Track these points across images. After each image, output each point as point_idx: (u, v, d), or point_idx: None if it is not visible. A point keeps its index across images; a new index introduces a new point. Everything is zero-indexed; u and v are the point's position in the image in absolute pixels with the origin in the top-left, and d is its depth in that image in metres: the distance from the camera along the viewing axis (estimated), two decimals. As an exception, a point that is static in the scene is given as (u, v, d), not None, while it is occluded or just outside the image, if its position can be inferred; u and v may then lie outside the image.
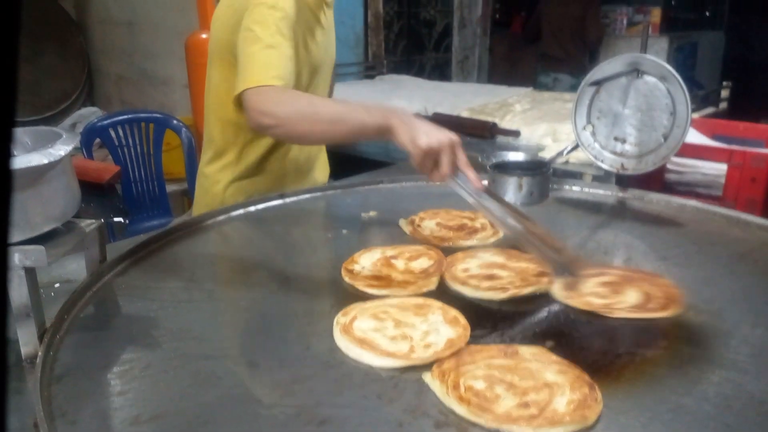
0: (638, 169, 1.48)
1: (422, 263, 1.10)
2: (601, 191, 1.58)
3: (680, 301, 0.97)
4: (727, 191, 1.55)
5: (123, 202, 1.06)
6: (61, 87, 4.38)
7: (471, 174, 1.07)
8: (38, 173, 0.89)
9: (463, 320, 0.90)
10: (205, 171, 1.58)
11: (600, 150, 1.53)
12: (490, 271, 1.07)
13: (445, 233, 1.27)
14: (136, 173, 2.73)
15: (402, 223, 1.33)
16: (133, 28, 4.12)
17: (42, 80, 4.29)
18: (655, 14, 4.44)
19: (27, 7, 4.29)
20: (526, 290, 1.00)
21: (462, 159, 1.07)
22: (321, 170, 1.76)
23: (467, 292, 1.01)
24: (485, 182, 1.11)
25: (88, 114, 3.75)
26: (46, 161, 0.88)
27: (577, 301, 0.97)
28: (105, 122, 2.61)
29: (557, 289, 1.01)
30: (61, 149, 0.92)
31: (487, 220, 1.30)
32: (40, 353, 0.84)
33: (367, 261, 1.12)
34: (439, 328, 0.89)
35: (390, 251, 1.15)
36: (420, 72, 4.10)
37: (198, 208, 1.61)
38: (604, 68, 1.46)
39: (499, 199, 1.13)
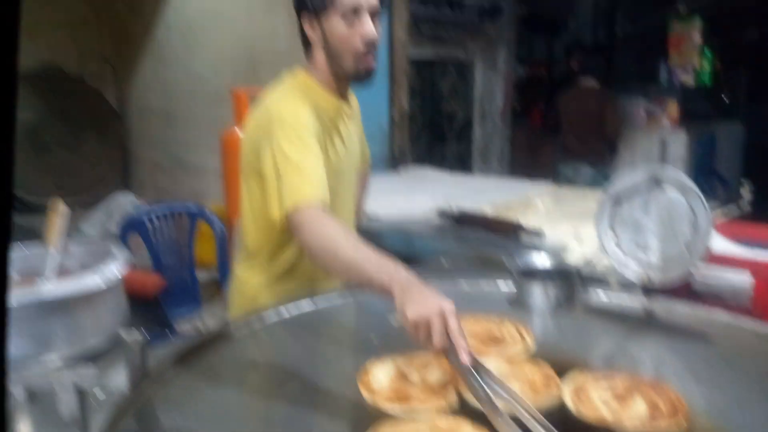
0: (663, 280, 1.49)
1: (436, 375, 1.08)
2: (627, 299, 1.59)
3: (685, 411, 1.00)
4: (755, 302, 1.56)
5: (166, 314, 1.11)
6: (99, 172, 4.57)
7: (460, 345, 0.99)
8: (94, 294, 0.95)
9: None
10: (238, 273, 1.63)
11: (624, 258, 1.55)
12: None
13: (471, 343, 1.24)
14: (169, 261, 2.81)
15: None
16: (170, 119, 4.34)
17: (82, 165, 4.49)
18: (672, 107, 4.57)
19: (72, 96, 4.57)
20: (541, 401, 1.01)
21: (453, 328, 1.00)
22: None
23: None
24: (471, 358, 0.99)
25: (123, 201, 3.89)
26: (102, 284, 0.95)
27: (590, 415, 1.00)
28: (142, 215, 2.72)
29: (568, 399, 1.05)
30: (116, 271, 0.99)
31: (515, 329, 1.30)
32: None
33: (382, 374, 1.10)
34: None
35: (401, 362, 1.13)
36: (442, 161, 4.22)
37: (232, 309, 1.65)
38: (624, 180, 1.51)
39: (491, 376, 1.01)
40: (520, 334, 1.29)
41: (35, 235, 3.55)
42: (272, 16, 3.36)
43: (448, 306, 1.02)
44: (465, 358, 0.97)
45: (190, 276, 2.80)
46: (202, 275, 2.94)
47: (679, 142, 4.51)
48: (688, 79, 4.94)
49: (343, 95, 1.56)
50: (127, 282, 1.12)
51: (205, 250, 2.96)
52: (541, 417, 0.91)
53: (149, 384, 1.14)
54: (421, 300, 1.03)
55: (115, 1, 4.60)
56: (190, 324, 2.62)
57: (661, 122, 4.61)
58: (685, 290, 1.67)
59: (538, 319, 1.51)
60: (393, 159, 3.41)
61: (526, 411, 0.92)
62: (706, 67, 5.01)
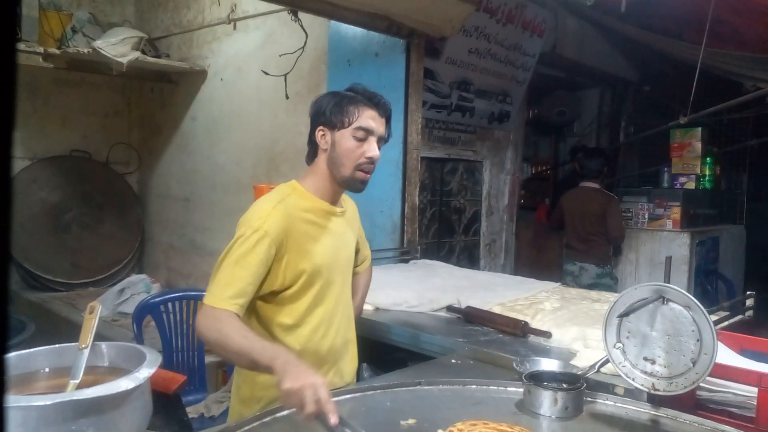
0: (669, 391, 1.52)
1: None
2: (633, 407, 1.61)
3: None
4: (759, 414, 1.57)
5: (185, 414, 1.14)
6: (116, 253, 4.69)
7: (329, 410, 1.18)
8: (124, 396, 1.00)
9: None
10: (236, 368, 1.70)
11: (631, 368, 1.59)
12: None
13: None
14: (178, 343, 2.84)
15: None
16: (188, 204, 4.50)
17: (100, 246, 4.61)
18: (675, 211, 4.68)
19: (96, 180, 4.76)
20: None
21: (323, 397, 1.19)
22: (350, 361, 1.84)
23: None
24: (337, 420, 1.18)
25: (136, 281, 3.97)
26: (132, 386, 1.00)
27: None
28: (157, 300, 2.79)
29: None
30: (145, 372, 1.05)
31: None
32: None
33: None
34: None
35: None
36: (449, 254, 4.30)
37: (232, 403, 1.70)
38: (630, 295, 1.57)
39: None
40: None
41: (48, 313, 3.58)
42: (294, 117, 3.57)
43: (318, 379, 1.22)
44: (334, 420, 1.16)
45: (198, 360, 2.82)
46: (209, 359, 2.95)
47: (682, 244, 4.59)
48: (690, 184, 5.09)
49: (333, 199, 1.72)
50: (152, 378, 1.17)
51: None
52: None
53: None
54: (296, 375, 1.23)
55: (148, 96, 4.89)
56: (196, 411, 2.61)
57: (664, 224, 4.71)
58: (691, 400, 1.69)
59: (546, 424, 1.53)
60: (403, 251, 3.50)
61: None
62: (707, 171, 5.18)
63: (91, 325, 1.17)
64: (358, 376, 2.03)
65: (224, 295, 1.48)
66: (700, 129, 5.07)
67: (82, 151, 4.76)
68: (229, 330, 1.41)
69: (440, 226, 4.28)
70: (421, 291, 2.74)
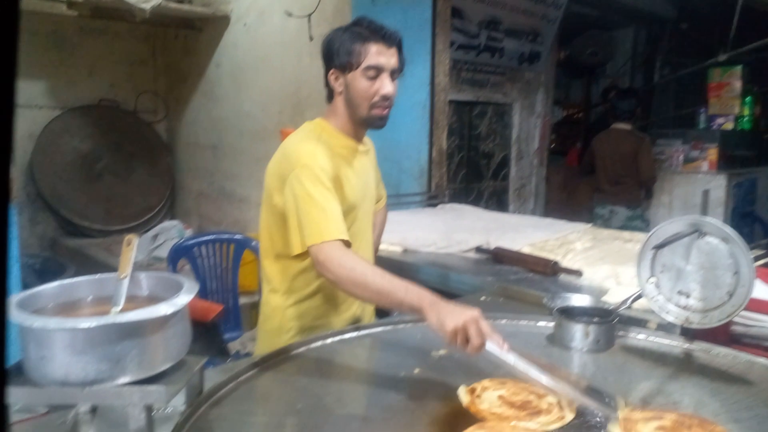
0: (703, 324, 1.51)
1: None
2: (666, 341, 1.61)
3: None
4: (797, 349, 1.55)
5: (224, 341, 1.18)
6: (148, 201, 4.78)
7: (496, 339, 1.19)
8: (164, 321, 1.03)
9: None
10: (264, 299, 1.75)
11: (664, 302, 1.57)
12: None
13: (504, 410, 1.17)
14: (213, 285, 2.92)
15: (461, 391, 1.22)
16: (216, 152, 4.52)
17: (131, 194, 4.70)
18: (712, 152, 4.54)
19: (125, 129, 4.81)
20: None
21: (486, 328, 1.20)
22: None
23: None
24: (509, 349, 1.20)
25: (169, 227, 4.05)
26: (172, 311, 1.02)
27: None
28: (191, 242, 2.85)
29: (615, 428, 1.11)
30: (184, 299, 1.07)
31: (554, 401, 1.23)
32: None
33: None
34: None
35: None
36: (478, 199, 4.27)
37: (260, 334, 1.75)
38: (665, 229, 1.54)
39: (532, 358, 1.22)
40: (560, 407, 1.21)
41: (86, 258, 3.70)
42: (318, 60, 3.50)
43: (477, 312, 1.22)
44: (504, 347, 1.18)
45: (232, 301, 2.90)
46: (243, 300, 3.03)
47: (718, 187, 4.47)
48: (728, 124, 4.92)
49: (357, 137, 1.70)
50: (190, 307, 1.20)
51: (246, 275, 3.05)
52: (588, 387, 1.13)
53: (204, 403, 1.21)
54: (453, 312, 1.22)
55: (172, 43, 4.86)
56: (232, 348, 2.70)
57: (700, 166, 4.58)
58: (725, 334, 1.67)
59: (577, 357, 1.54)
60: (431, 195, 3.49)
61: (570, 384, 1.14)
62: (747, 111, 4.98)
63: (129, 256, 1.19)
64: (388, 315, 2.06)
65: (330, 227, 1.45)
66: (740, 67, 4.85)
67: (110, 100, 4.79)
68: (363, 268, 1.39)
69: (468, 171, 4.23)
70: (449, 233, 2.74)
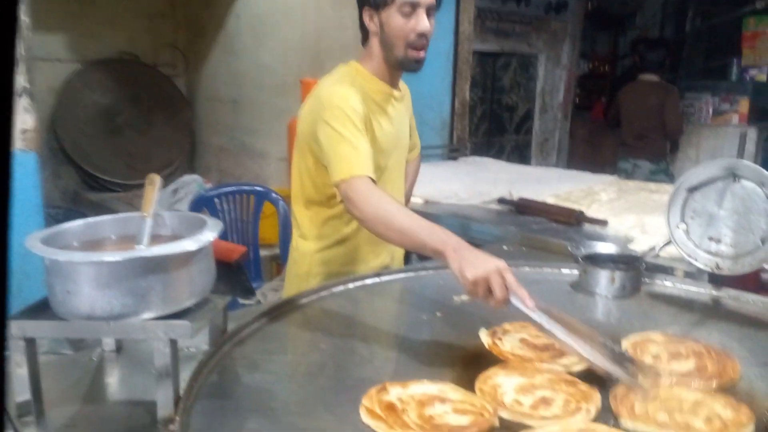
0: (734, 270, 1.47)
1: (456, 419, 0.93)
2: (694, 288, 1.58)
3: (730, 378, 1.08)
4: (830, 297, 1.51)
5: (248, 280, 1.18)
6: (168, 155, 4.78)
7: (522, 294, 1.10)
8: (188, 256, 1.03)
9: None
10: (293, 244, 1.75)
11: (694, 248, 1.54)
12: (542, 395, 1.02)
13: (526, 352, 1.16)
14: (234, 238, 2.94)
15: (482, 333, 1.23)
16: (236, 106, 4.49)
17: (152, 149, 4.71)
18: (743, 104, 4.39)
19: (145, 83, 4.79)
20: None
21: (511, 281, 1.11)
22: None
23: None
24: (535, 304, 1.10)
25: (190, 181, 4.06)
26: (195, 247, 1.02)
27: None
28: (212, 193, 2.86)
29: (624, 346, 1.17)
30: (209, 236, 1.06)
31: None
32: (177, 418, 0.94)
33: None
34: None
35: (454, 394, 1.00)
36: (500, 153, 4.21)
37: (288, 278, 1.76)
38: (699, 173, 1.49)
39: (557, 316, 1.12)
40: None
41: (108, 210, 3.74)
42: (339, 10, 3.43)
43: (502, 263, 1.12)
44: (529, 304, 1.09)
45: (253, 253, 2.92)
46: (264, 252, 3.05)
47: (749, 140, 4.34)
48: (761, 76, 4.73)
49: (392, 82, 1.65)
50: (214, 247, 1.20)
51: (267, 228, 3.07)
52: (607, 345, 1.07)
53: (228, 342, 1.22)
54: (476, 261, 1.13)
55: (190, -6, 4.79)
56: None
57: (730, 119, 4.44)
58: (755, 281, 1.64)
59: (602, 303, 1.52)
60: (452, 148, 3.43)
61: (591, 342, 1.07)
62: (782, 62, 4.79)
63: (152, 195, 1.18)
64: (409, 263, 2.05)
65: (359, 163, 1.42)
66: (776, 15, 4.64)
67: (130, 53, 4.76)
68: (389, 206, 1.34)
69: (491, 124, 4.16)
70: (471, 184, 2.70)
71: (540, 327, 1.10)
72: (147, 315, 1.00)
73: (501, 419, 0.95)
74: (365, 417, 0.93)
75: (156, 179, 1.22)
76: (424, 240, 1.25)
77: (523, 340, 1.21)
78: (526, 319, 1.12)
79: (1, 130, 0.28)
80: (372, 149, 1.53)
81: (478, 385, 1.04)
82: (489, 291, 1.11)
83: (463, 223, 2.38)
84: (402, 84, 1.75)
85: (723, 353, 1.18)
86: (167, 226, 1.20)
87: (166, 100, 4.88)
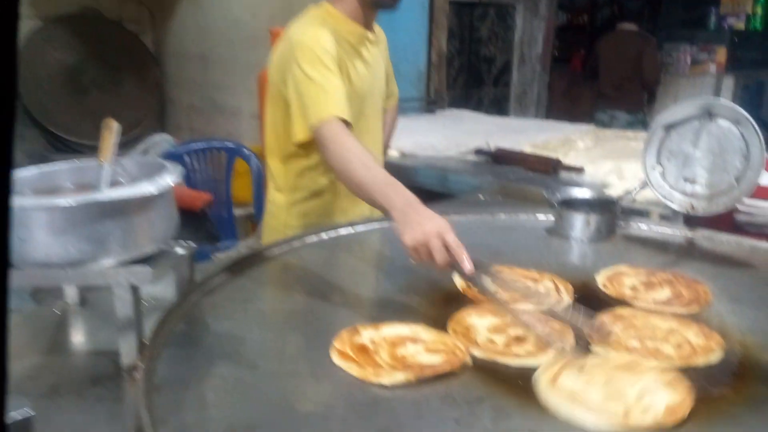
0: (708, 211, 1.47)
1: (428, 359, 0.92)
2: (669, 230, 1.58)
3: (705, 301, 1.13)
4: (802, 235, 1.52)
5: (213, 227, 1.13)
6: (136, 115, 4.64)
7: (460, 256, 1.05)
8: (148, 201, 0.98)
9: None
10: (269, 197, 1.70)
11: (669, 190, 1.53)
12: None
13: (501, 294, 1.12)
14: (206, 197, 2.88)
15: (456, 277, 1.20)
16: (206, 62, 4.35)
17: (119, 108, 4.56)
18: (721, 53, 4.37)
19: (110, 40, 4.61)
20: None
21: (452, 243, 1.05)
22: None
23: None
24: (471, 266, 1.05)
25: (160, 140, 3.95)
26: (155, 191, 0.97)
27: (613, 293, 1.17)
28: (181, 150, 2.78)
29: (600, 279, 1.22)
30: (169, 180, 1.01)
31: (552, 285, 1.21)
32: (141, 365, 0.91)
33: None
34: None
35: (425, 335, 0.98)
36: (478, 105, 4.15)
37: (264, 231, 1.72)
38: (676, 111, 1.47)
39: (498, 279, 1.10)
40: (557, 288, 1.21)
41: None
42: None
43: (444, 224, 1.07)
44: (467, 267, 1.04)
45: (227, 212, 2.86)
46: (238, 212, 2.99)
47: (725, 89, 4.34)
48: (739, 24, 4.71)
49: (366, 23, 1.58)
50: (178, 196, 1.15)
51: (241, 187, 3.01)
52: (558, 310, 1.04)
53: (196, 291, 1.18)
54: (418, 223, 1.08)
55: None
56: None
57: (707, 68, 4.42)
58: (728, 223, 1.64)
59: (577, 246, 1.51)
60: (429, 101, 3.37)
61: (533, 301, 1.07)
62: (759, 10, 4.76)
63: (109, 141, 1.13)
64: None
65: (329, 104, 1.36)
66: (755, -37, 4.60)
67: (93, 9, 4.56)
68: (350, 155, 1.30)
69: (468, 76, 4.09)
70: (449, 136, 2.66)
71: (479, 290, 1.09)
72: (106, 262, 0.96)
73: (474, 359, 0.94)
74: (336, 359, 0.91)
75: (113, 124, 1.16)
76: (375, 197, 1.22)
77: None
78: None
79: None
80: (347, 92, 1.47)
81: (451, 326, 1.02)
82: (431, 255, 1.06)
83: (440, 175, 2.35)
84: (377, 28, 1.68)
85: (692, 280, 1.22)
86: (127, 173, 1.15)
87: (133, 57, 4.71)
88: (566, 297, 1.20)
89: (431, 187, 2.34)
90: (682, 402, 0.79)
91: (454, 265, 1.05)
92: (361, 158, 1.29)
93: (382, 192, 1.20)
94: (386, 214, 1.19)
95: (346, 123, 1.37)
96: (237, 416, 0.82)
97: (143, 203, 0.98)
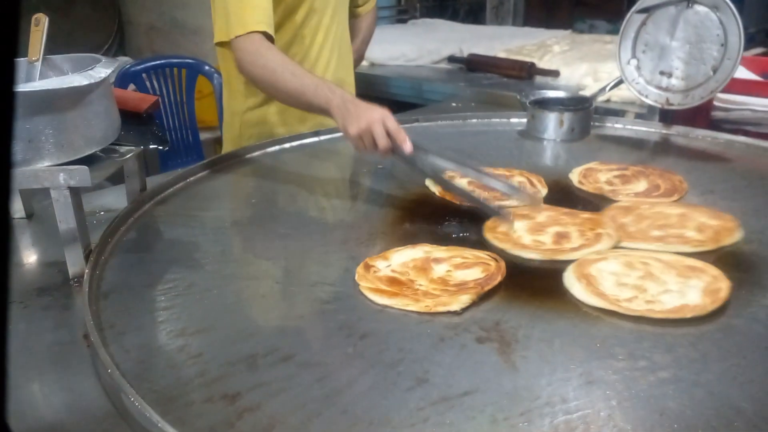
0: (684, 104, 1.42)
1: (468, 274, 0.85)
2: (644, 128, 1.53)
3: (683, 189, 1.13)
4: (778, 127, 1.49)
5: (162, 130, 1.05)
6: (94, 38, 4.38)
7: (401, 138, 1.06)
8: (79, 94, 0.90)
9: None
10: (225, 104, 1.62)
11: (645, 85, 1.47)
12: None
13: (479, 193, 1.10)
14: (170, 121, 2.75)
15: (429, 182, 1.18)
16: (163, -23, 4.08)
17: (75, 31, 4.30)
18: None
19: (58, -44, 4.28)
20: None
21: (393, 128, 1.07)
22: None
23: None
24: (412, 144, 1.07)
25: (121, 63, 3.75)
26: (86, 82, 0.88)
27: (589, 188, 1.15)
28: (138, 68, 2.63)
29: (574, 176, 1.20)
30: (101, 72, 0.93)
31: (524, 178, 1.20)
32: (87, 270, 0.86)
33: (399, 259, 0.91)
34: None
35: (439, 253, 0.91)
36: (453, 17, 3.98)
37: (224, 144, 1.65)
38: (652, -3, 1.39)
39: (444, 155, 1.09)
40: (531, 184, 1.19)
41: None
42: None
43: (385, 112, 1.09)
44: (408, 148, 1.06)
45: (192, 135, 2.75)
46: (206, 135, 2.88)
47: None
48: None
49: None
50: (119, 99, 1.07)
51: (205, 110, 2.88)
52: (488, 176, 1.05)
53: (148, 199, 1.12)
54: (359, 114, 1.09)
55: None
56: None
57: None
58: (705, 120, 1.60)
59: (551, 146, 1.46)
60: (400, 9, 3.21)
61: (475, 174, 1.06)
62: None
63: (39, 37, 1.03)
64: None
65: (247, 18, 1.29)
66: None
67: None
68: (275, 65, 1.25)
69: (441, -14, 3.89)
70: (420, 44, 2.54)
71: (419, 171, 1.09)
72: (41, 164, 0.88)
73: (517, 262, 0.90)
74: (376, 297, 0.80)
75: (42, 18, 1.05)
76: (310, 99, 1.19)
77: (471, 183, 1.13)
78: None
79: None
80: (293, 3, 1.39)
81: (488, 235, 0.97)
82: (375, 142, 1.07)
83: (412, 84, 2.26)
84: None
85: (665, 170, 1.21)
86: (61, 71, 1.05)
87: (85, -26, 4.40)
88: (542, 189, 1.17)
89: (404, 98, 2.25)
90: (721, 286, 0.80)
91: (395, 149, 1.06)
92: (286, 67, 1.24)
93: (317, 93, 1.18)
94: (325, 114, 1.17)
95: (269, 36, 1.28)
96: (188, 319, 0.78)
97: (75, 98, 0.90)
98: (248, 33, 1.27)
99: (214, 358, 0.69)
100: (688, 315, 0.75)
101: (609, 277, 0.83)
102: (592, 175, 1.20)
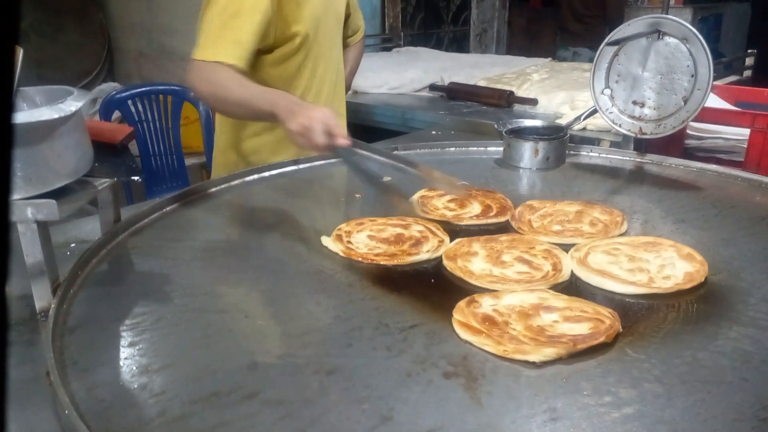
0: (657, 133, 1.44)
1: (572, 328, 0.80)
2: (618, 156, 1.55)
3: (511, 209, 1.20)
4: (749, 156, 1.51)
5: (137, 162, 1.06)
6: (83, 64, 4.39)
7: (338, 134, 1.12)
8: (49, 128, 0.90)
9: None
10: (216, 134, 1.62)
11: (618, 114, 1.49)
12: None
13: (383, 248, 1.04)
14: (156, 147, 2.74)
15: (327, 241, 1.08)
16: (151, 5, 4.11)
17: (64, 57, 4.31)
18: (679, -16, 4.31)
19: (47, -17, 4.31)
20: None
21: (332, 126, 1.12)
22: None
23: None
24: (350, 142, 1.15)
25: (109, 89, 3.74)
26: (56, 116, 0.89)
27: (434, 216, 1.18)
28: (123, 94, 2.63)
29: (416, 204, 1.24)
30: (72, 105, 0.93)
31: (424, 227, 1.12)
32: (52, 305, 0.85)
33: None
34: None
35: (556, 302, 0.86)
36: (438, 45, 4.04)
37: (215, 168, 1.64)
38: (624, 29, 1.42)
39: (376, 150, 1.24)
40: (432, 232, 1.11)
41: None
42: None
43: (328, 112, 1.14)
44: (342, 142, 1.12)
45: (178, 161, 2.74)
46: (191, 161, 2.88)
47: (683, 21, 4.30)
48: (699, -45, 4.63)
49: None
50: (94, 130, 1.07)
51: (192, 135, 2.88)
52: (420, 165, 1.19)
53: (122, 231, 1.11)
54: (302, 113, 1.14)
55: None
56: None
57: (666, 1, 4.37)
58: (678, 148, 1.63)
59: (527, 175, 1.47)
60: (385, 38, 3.25)
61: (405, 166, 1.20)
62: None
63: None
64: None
65: (217, 47, 1.31)
66: None
67: (24, -51, 4.24)
68: (224, 81, 1.28)
69: (426, 15, 3.96)
70: (402, 73, 2.57)
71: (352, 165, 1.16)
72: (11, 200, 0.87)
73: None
74: (461, 332, 0.79)
75: (17, 51, 1.05)
76: (259, 106, 1.23)
77: (371, 237, 1.08)
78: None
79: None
80: (293, 27, 1.41)
81: (448, 264, 0.98)
82: (314, 139, 1.12)
83: (394, 112, 2.28)
84: None
85: (490, 191, 1.28)
86: (33, 103, 1.05)
87: (74, 1, 4.43)
88: (446, 237, 1.08)
89: (387, 125, 2.28)
90: (699, 269, 0.93)
91: (333, 146, 1.12)
92: (233, 80, 1.28)
93: (265, 99, 1.22)
94: (273, 119, 1.21)
95: (238, 69, 1.31)
96: (153, 355, 0.77)
97: (45, 131, 0.89)
98: (215, 62, 1.29)
99: (177, 395, 0.69)
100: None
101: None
102: (429, 203, 1.25)
